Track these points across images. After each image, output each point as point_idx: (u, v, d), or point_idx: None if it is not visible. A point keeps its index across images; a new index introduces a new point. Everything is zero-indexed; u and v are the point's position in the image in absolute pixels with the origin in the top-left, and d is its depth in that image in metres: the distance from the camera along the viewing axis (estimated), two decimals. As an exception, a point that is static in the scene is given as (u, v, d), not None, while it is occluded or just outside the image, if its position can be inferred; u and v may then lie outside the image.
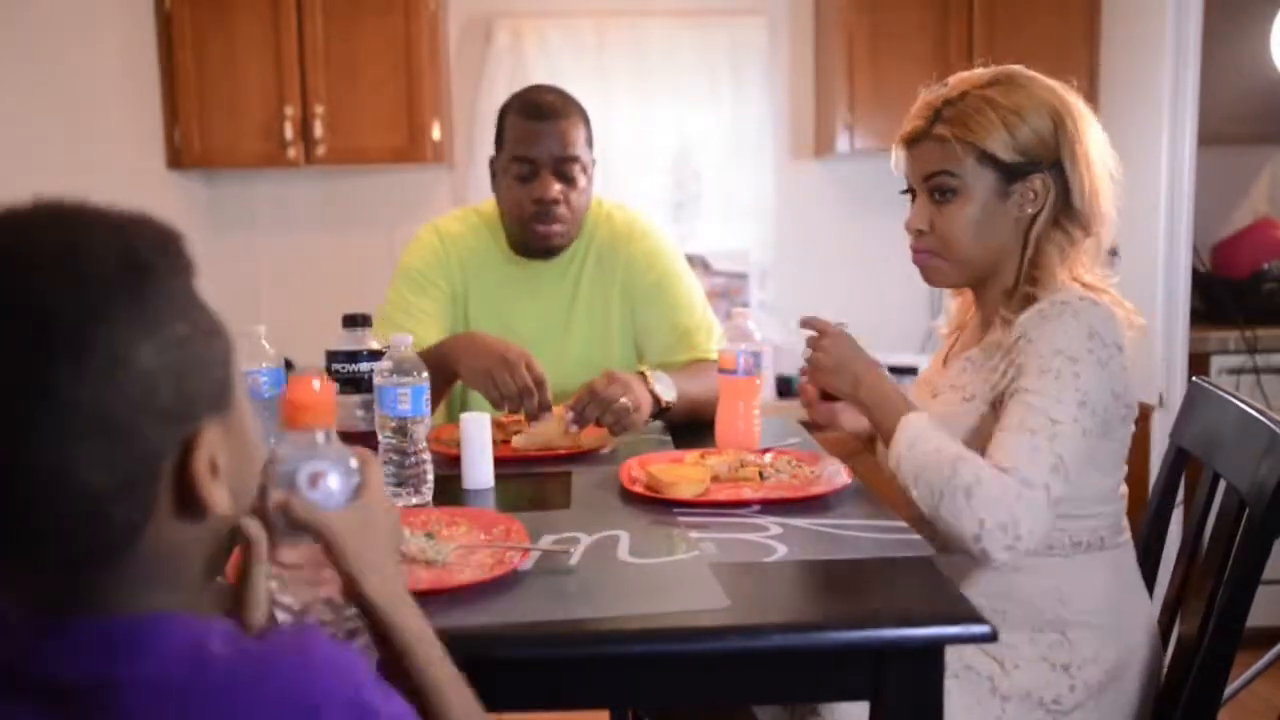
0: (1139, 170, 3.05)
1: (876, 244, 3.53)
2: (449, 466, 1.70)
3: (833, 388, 1.54)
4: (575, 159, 2.00)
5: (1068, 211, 1.45)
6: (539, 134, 1.99)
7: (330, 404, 0.90)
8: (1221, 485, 1.52)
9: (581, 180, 2.03)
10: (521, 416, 1.79)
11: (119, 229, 0.71)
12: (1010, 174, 1.44)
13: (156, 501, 0.70)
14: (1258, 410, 1.44)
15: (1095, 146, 1.47)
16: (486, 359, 1.76)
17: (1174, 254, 3.02)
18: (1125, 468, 1.48)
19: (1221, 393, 1.57)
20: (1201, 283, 3.25)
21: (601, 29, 3.50)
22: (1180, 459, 1.67)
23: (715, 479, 1.53)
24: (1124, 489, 1.49)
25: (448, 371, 1.82)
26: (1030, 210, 1.46)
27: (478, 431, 1.58)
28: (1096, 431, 1.36)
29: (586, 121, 2.06)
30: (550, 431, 1.76)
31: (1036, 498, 1.29)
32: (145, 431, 0.68)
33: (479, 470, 1.58)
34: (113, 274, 0.68)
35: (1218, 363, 3.15)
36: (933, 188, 1.49)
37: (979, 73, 1.50)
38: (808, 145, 3.64)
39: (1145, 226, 3.02)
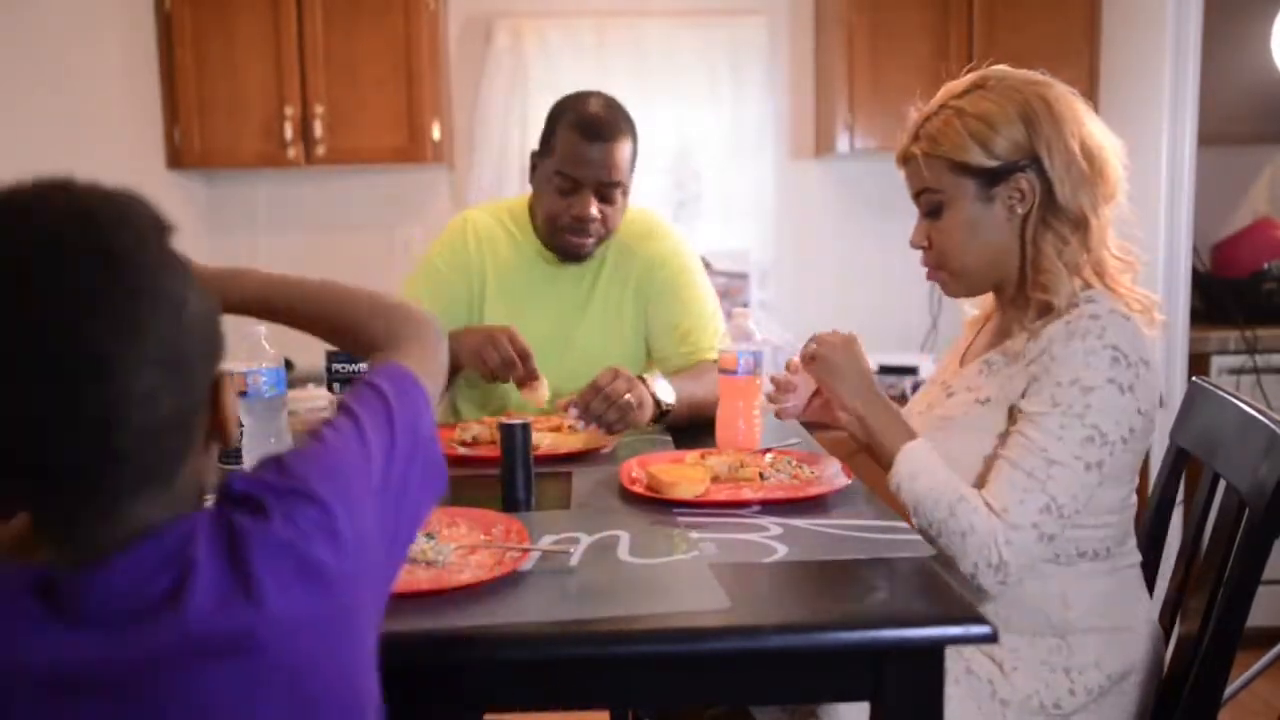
0: (1139, 170, 3.03)
1: (877, 244, 3.53)
2: (450, 466, 1.70)
3: (829, 387, 1.55)
4: (619, 183, 2.03)
5: (1053, 208, 1.44)
6: (589, 157, 2.00)
7: None
8: (1221, 485, 1.52)
9: (620, 199, 2.06)
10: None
11: (137, 198, 0.79)
12: (989, 178, 1.44)
13: (199, 431, 0.80)
14: (1258, 410, 1.44)
15: (1081, 137, 1.44)
16: (475, 340, 1.90)
17: (1174, 254, 3.02)
18: (1137, 479, 1.48)
19: (1221, 393, 1.57)
20: (1201, 283, 3.25)
21: (601, 29, 3.49)
22: (1180, 459, 1.67)
23: (715, 479, 1.53)
24: (1133, 499, 1.48)
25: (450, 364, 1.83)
26: (1020, 210, 1.45)
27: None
28: (1105, 463, 1.36)
29: (635, 141, 2.07)
30: (539, 396, 1.88)
31: (1023, 539, 1.34)
32: (198, 366, 0.78)
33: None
34: (156, 230, 0.78)
35: (1218, 363, 3.15)
36: (924, 205, 1.51)
37: (960, 81, 1.49)
38: (808, 145, 3.64)
39: (1145, 226, 3.00)
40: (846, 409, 1.52)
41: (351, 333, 1.14)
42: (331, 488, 0.83)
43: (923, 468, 1.41)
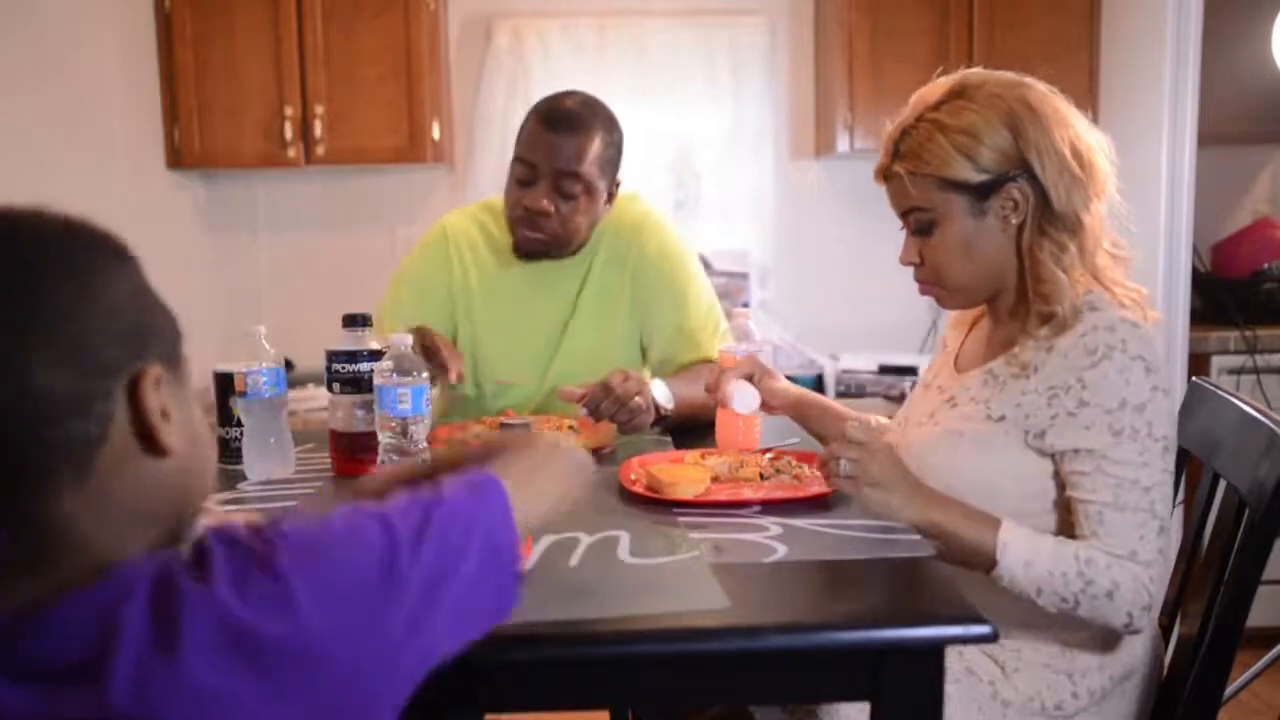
0: (1139, 170, 3.05)
1: (877, 244, 3.51)
2: (449, 466, 1.70)
3: (879, 506, 1.35)
4: (576, 175, 1.96)
5: (1049, 215, 1.39)
6: (545, 143, 1.96)
7: None
8: (1221, 485, 1.52)
9: (582, 199, 1.98)
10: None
11: (109, 232, 0.83)
12: (981, 192, 1.39)
13: (111, 421, 0.75)
14: (1258, 410, 1.44)
15: (1069, 139, 1.40)
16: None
17: (1174, 254, 3.02)
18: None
19: (1221, 393, 1.57)
20: (1201, 283, 3.25)
21: (601, 29, 3.50)
22: (1180, 459, 1.67)
23: (715, 479, 1.53)
24: None
25: None
26: (1015, 220, 1.40)
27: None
28: (1174, 460, 1.36)
29: (609, 141, 2.00)
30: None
31: (1155, 572, 1.32)
32: (102, 350, 0.75)
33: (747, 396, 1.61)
34: (100, 236, 0.81)
35: (1218, 363, 3.15)
36: (912, 223, 1.46)
37: (935, 88, 1.43)
38: (808, 145, 3.64)
39: (1145, 226, 3.02)
40: (913, 525, 1.35)
41: None
42: (299, 561, 0.77)
43: (1031, 550, 1.32)
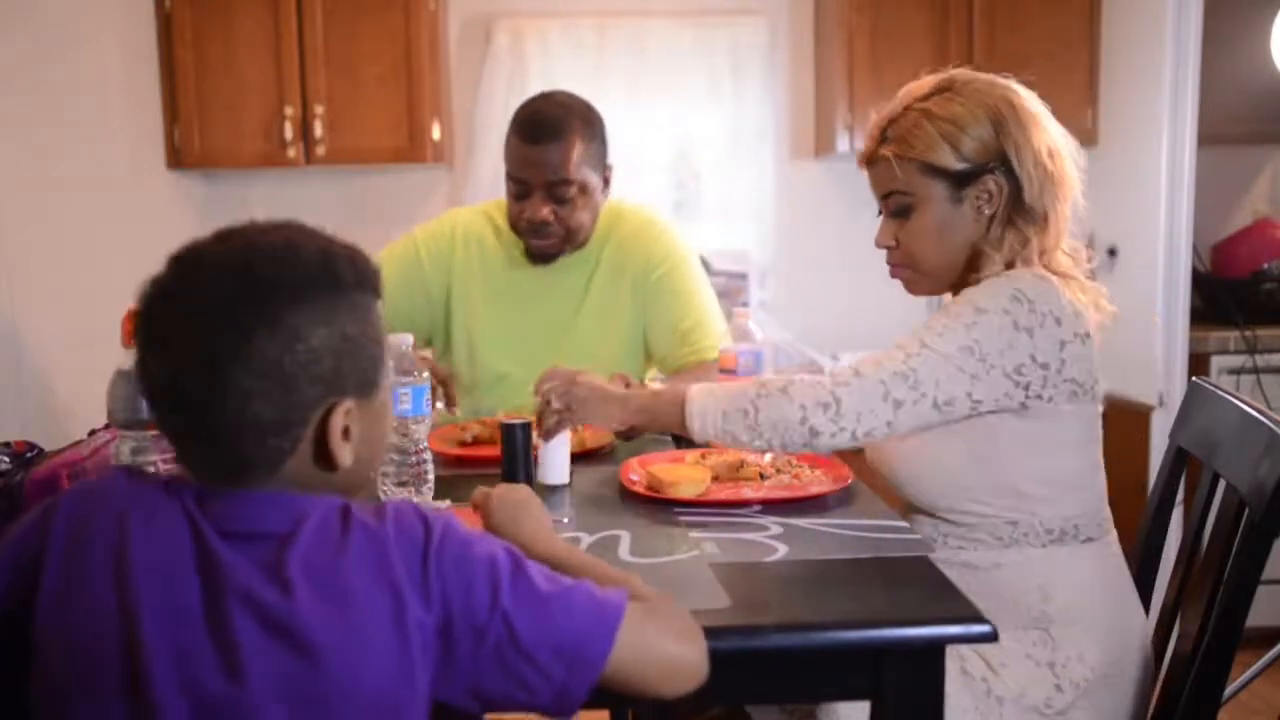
0: (1139, 170, 3.05)
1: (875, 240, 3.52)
2: (449, 466, 1.71)
3: (601, 419, 1.58)
4: (568, 182, 2.01)
5: (1019, 209, 1.45)
6: (530, 158, 2.00)
7: None
8: (1221, 485, 1.52)
9: (579, 200, 2.04)
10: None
11: (326, 246, 0.97)
12: (959, 180, 1.45)
13: (300, 443, 0.93)
14: (1258, 410, 1.44)
15: (1044, 140, 1.45)
16: None
17: (1174, 254, 3.02)
18: (1098, 455, 1.48)
19: (1221, 393, 1.57)
20: (1201, 283, 3.25)
21: (601, 29, 3.49)
22: (1180, 459, 1.67)
23: (715, 479, 1.53)
24: (1101, 478, 1.48)
25: None
26: (988, 211, 1.46)
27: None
28: (985, 385, 1.37)
29: (590, 136, 2.04)
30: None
31: (865, 386, 1.37)
32: (303, 387, 0.92)
33: (555, 467, 1.60)
34: (313, 274, 0.94)
35: (1218, 363, 3.15)
36: (890, 206, 1.51)
37: (923, 83, 1.50)
38: (808, 145, 3.64)
39: (1145, 226, 3.02)
40: (628, 421, 1.57)
41: None
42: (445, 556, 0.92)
43: (707, 392, 1.45)
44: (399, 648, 0.89)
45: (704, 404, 1.44)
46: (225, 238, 0.95)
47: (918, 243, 1.50)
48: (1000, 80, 1.49)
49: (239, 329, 0.90)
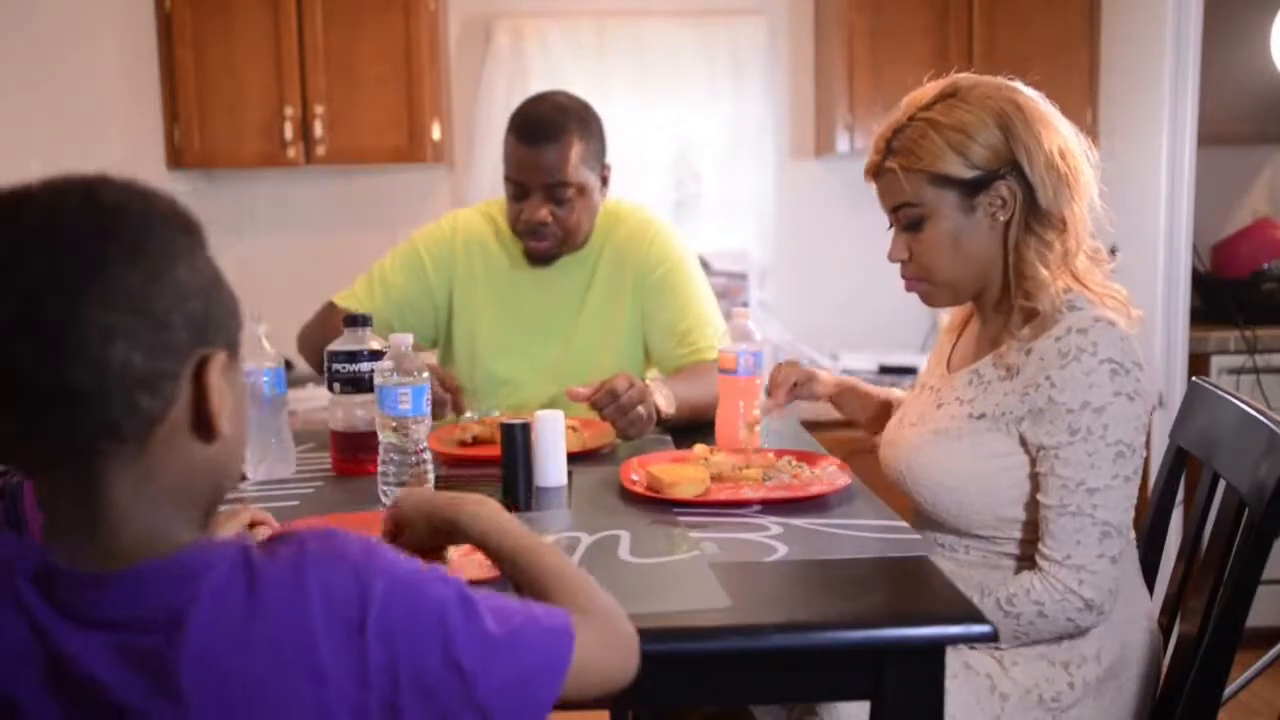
0: (1139, 170, 3.05)
1: (877, 244, 3.49)
2: (449, 466, 1.71)
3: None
4: (566, 183, 2.01)
5: (1035, 213, 1.42)
6: (527, 159, 2.01)
7: None
8: (1221, 485, 1.52)
9: (577, 201, 2.04)
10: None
11: (176, 201, 0.83)
12: (971, 188, 1.43)
13: (172, 404, 0.78)
14: (1258, 410, 1.44)
15: (1055, 140, 1.43)
16: None
17: (1174, 254, 3.02)
18: (1134, 499, 1.48)
19: (1221, 393, 1.57)
20: (1201, 283, 3.25)
21: (601, 29, 3.50)
22: (1180, 459, 1.67)
23: (716, 478, 1.53)
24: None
25: None
26: (1002, 217, 1.44)
27: (552, 429, 1.59)
28: (1136, 469, 1.38)
29: (588, 137, 2.05)
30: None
31: (1096, 570, 1.35)
32: (175, 328, 0.77)
33: (552, 467, 1.59)
34: (166, 209, 0.80)
35: (1218, 363, 3.15)
36: (901, 219, 1.49)
37: (926, 91, 1.47)
38: (808, 145, 3.64)
39: (1145, 226, 3.02)
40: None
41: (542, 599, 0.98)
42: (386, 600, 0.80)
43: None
44: None
45: None
46: (54, 179, 0.80)
47: (932, 255, 1.47)
48: (1005, 83, 1.46)
49: (94, 255, 0.74)
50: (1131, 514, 1.39)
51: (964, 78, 1.47)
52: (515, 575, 1.01)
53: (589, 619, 0.93)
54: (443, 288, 2.16)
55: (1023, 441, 1.42)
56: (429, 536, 1.09)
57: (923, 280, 1.51)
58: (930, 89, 1.47)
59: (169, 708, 0.73)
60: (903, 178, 1.44)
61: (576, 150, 2.02)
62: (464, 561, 1.21)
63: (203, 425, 0.80)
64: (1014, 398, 1.42)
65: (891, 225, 1.53)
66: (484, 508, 1.06)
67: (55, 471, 0.78)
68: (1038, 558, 1.39)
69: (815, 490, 1.49)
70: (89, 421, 0.75)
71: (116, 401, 0.75)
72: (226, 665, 0.75)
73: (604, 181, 2.12)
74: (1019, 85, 1.47)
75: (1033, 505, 1.42)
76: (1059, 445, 1.37)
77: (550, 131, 2.00)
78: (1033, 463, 1.41)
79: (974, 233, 1.45)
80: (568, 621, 0.89)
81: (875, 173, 1.50)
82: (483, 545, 1.04)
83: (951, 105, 1.43)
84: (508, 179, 2.06)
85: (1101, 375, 1.35)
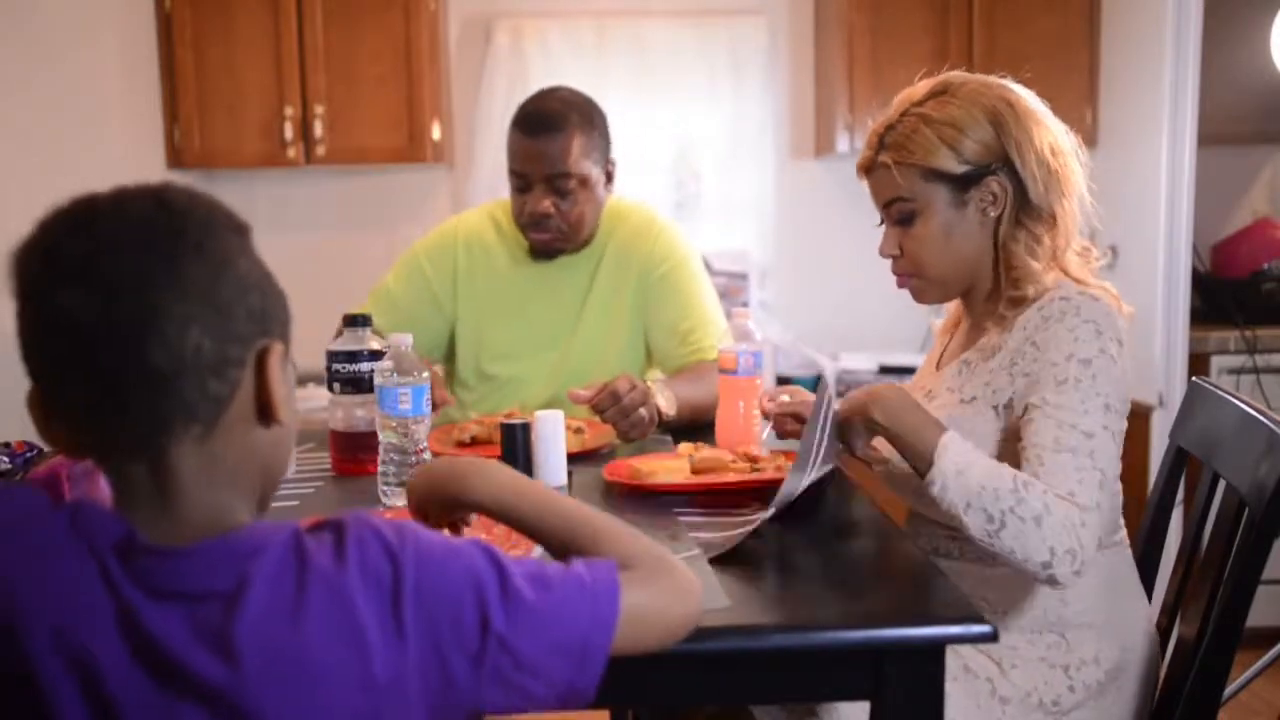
0: (1139, 170, 3.05)
1: (876, 244, 3.52)
2: (449, 466, 1.70)
3: (846, 416, 1.43)
4: (568, 175, 2.02)
5: (1026, 208, 1.44)
6: (529, 151, 2.02)
7: None
8: (1221, 485, 1.52)
9: (580, 193, 2.05)
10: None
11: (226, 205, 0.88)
12: (962, 183, 1.44)
13: (237, 389, 0.84)
14: (1258, 410, 1.44)
15: (1045, 137, 1.44)
16: None
17: (1174, 254, 3.02)
18: (1120, 465, 1.48)
19: (1221, 393, 1.57)
20: (1201, 283, 3.25)
21: (601, 29, 3.50)
22: (1180, 459, 1.67)
23: (703, 470, 1.52)
24: (1118, 486, 1.48)
25: None
26: (993, 213, 1.45)
27: (551, 429, 1.58)
28: (1121, 431, 1.36)
29: (591, 130, 2.06)
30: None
31: (1091, 520, 1.30)
32: (239, 318, 0.83)
33: (551, 467, 1.59)
34: (225, 216, 0.86)
35: (1218, 363, 3.15)
36: (893, 214, 1.50)
37: (918, 88, 1.49)
38: (808, 145, 3.64)
39: (1145, 226, 3.02)
40: (874, 426, 1.41)
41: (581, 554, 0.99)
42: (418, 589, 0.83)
43: (967, 460, 1.32)
44: (367, 707, 0.81)
45: (950, 477, 1.31)
46: (121, 190, 0.86)
47: (924, 250, 1.48)
48: (995, 80, 1.47)
49: (166, 253, 0.80)
50: (1116, 472, 1.35)
51: (955, 75, 1.48)
52: (545, 538, 1.01)
53: (635, 569, 0.93)
54: (447, 292, 2.15)
55: (1013, 426, 1.40)
56: (445, 514, 1.09)
57: (914, 275, 1.52)
58: (922, 87, 1.48)
59: (229, 676, 0.78)
60: (896, 172, 1.45)
61: (578, 142, 2.02)
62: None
63: (264, 411, 0.85)
64: (1001, 374, 1.42)
65: (883, 221, 1.54)
66: (486, 471, 1.05)
67: (131, 453, 0.83)
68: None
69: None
70: (166, 403, 0.81)
71: (191, 384, 0.81)
72: (280, 640, 0.79)
73: (609, 177, 2.12)
74: (1009, 83, 1.48)
75: None
76: (1047, 396, 1.35)
77: (552, 123, 2.01)
78: (1019, 439, 1.38)
79: (965, 228, 1.46)
80: (613, 575, 0.91)
81: (868, 168, 1.51)
82: (499, 512, 1.03)
83: (944, 101, 1.44)
84: (511, 172, 2.06)
85: (1086, 332, 1.36)
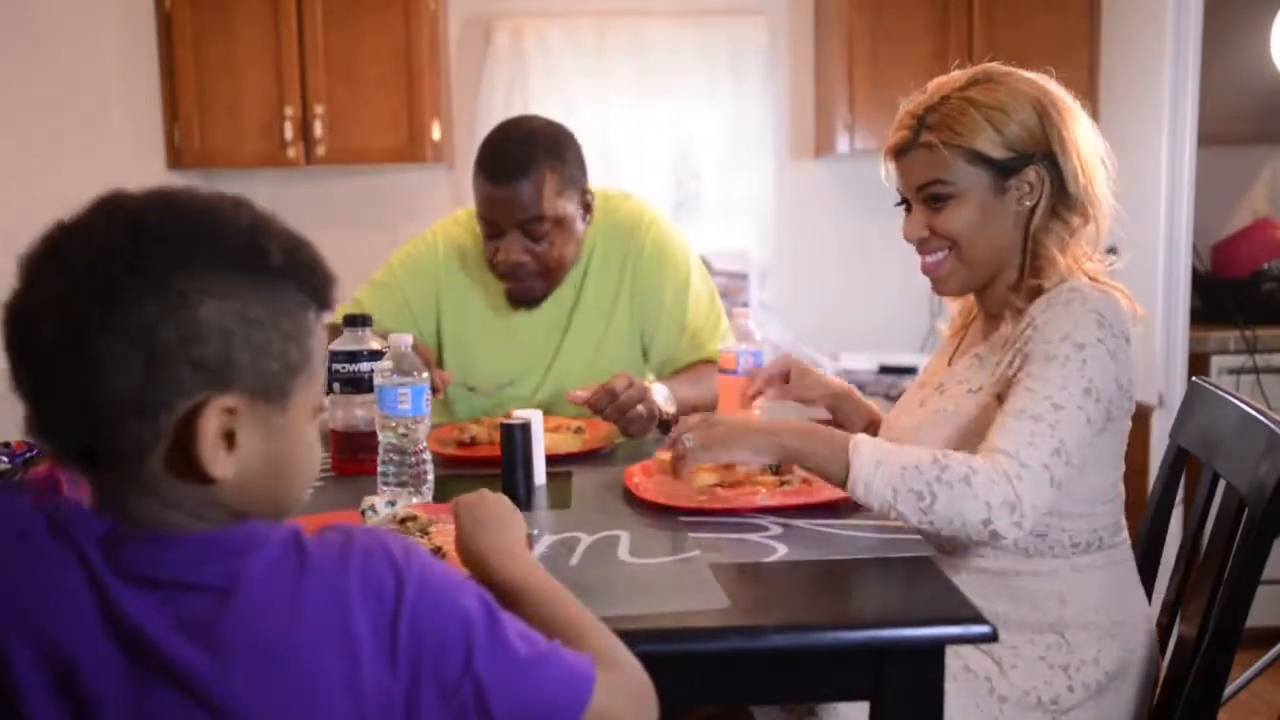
0: (1139, 170, 3.05)
1: (876, 244, 3.53)
2: (448, 467, 1.71)
3: (750, 452, 1.41)
4: (541, 218, 1.89)
5: (1064, 200, 1.44)
6: (497, 199, 1.89)
7: None
8: (1221, 485, 1.52)
9: (556, 234, 1.93)
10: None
11: (265, 227, 0.87)
12: (1003, 170, 1.43)
13: (160, 437, 0.78)
14: (1258, 410, 1.44)
15: (1084, 133, 1.45)
16: None
17: (1174, 254, 3.02)
18: (1123, 465, 1.48)
19: (1221, 393, 1.57)
20: (1201, 283, 3.25)
21: (601, 29, 3.50)
22: (1180, 459, 1.67)
23: (732, 484, 1.50)
24: (1121, 487, 1.48)
25: None
26: (1028, 203, 1.44)
27: (532, 429, 1.58)
28: (1100, 422, 1.36)
29: (562, 166, 1.91)
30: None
31: (1036, 477, 1.28)
32: (174, 366, 0.77)
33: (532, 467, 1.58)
34: (229, 244, 0.82)
35: (1218, 363, 3.15)
36: (927, 196, 1.47)
37: (956, 75, 1.48)
38: (808, 145, 3.64)
39: (1145, 226, 3.02)
40: (776, 459, 1.42)
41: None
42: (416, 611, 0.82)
43: (882, 451, 1.32)
44: (354, 714, 0.79)
45: (871, 472, 1.30)
46: (160, 190, 0.83)
47: (957, 231, 1.45)
48: (1038, 74, 1.48)
49: (111, 281, 0.76)
50: (1081, 454, 1.33)
51: (995, 66, 1.48)
52: (535, 621, 0.97)
53: (612, 668, 0.92)
54: (428, 315, 2.08)
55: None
56: None
57: (949, 251, 1.48)
58: (960, 75, 1.48)
59: (212, 669, 0.76)
60: (942, 152, 1.42)
61: (550, 182, 1.89)
62: None
63: (187, 467, 0.79)
64: (1005, 364, 1.42)
65: (903, 203, 1.52)
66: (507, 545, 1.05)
67: (81, 468, 0.81)
68: (982, 448, 1.33)
69: (826, 496, 1.44)
70: (86, 433, 0.78)
71: (105, 422, 0.77)
72: (269, 634, 0.78)
73: (586, 209, 1.99)
74: (1048, 79, 1.48)
75: None
76: (1031, 369, 1.35)
77: (519, 166, 1.87)
78: None
79: (998, 215, 1.45)
80: (590, 664, 0.89)
81: (904, 149, 1.48)
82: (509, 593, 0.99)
83: (990, 87, 1.44)
84: (480, 218, 1.94)
85: (1087, 320, 1.35)
